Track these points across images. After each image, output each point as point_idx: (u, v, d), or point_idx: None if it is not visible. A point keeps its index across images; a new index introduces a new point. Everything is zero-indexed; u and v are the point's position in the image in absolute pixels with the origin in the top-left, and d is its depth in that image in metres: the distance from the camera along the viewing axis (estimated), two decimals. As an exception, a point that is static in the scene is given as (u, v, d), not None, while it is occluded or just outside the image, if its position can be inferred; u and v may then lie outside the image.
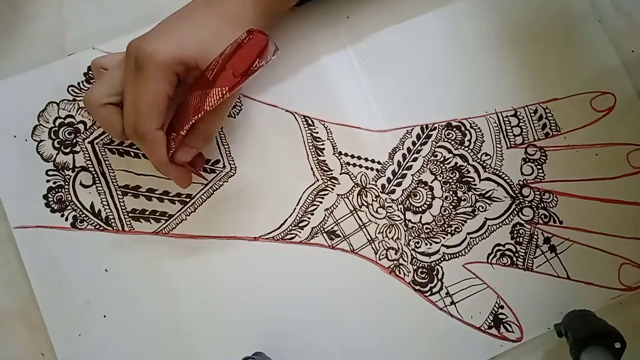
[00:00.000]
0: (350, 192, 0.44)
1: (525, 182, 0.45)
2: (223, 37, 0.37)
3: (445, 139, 0.45)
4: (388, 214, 0.44)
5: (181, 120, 0.37)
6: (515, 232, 0.44)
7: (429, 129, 0.45)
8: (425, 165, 0.45)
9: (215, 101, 0.35)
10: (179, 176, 0.39)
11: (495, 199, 0.45)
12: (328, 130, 0.45)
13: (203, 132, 0.38)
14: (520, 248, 0.44)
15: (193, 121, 0.36)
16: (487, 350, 0.43)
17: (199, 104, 0.36)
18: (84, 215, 0.43)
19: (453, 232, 0.44)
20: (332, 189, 0.44)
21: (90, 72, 0.45)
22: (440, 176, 0.45)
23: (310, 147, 0.45)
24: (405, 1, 0.46)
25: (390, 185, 0.45)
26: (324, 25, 0.46)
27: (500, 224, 0.44)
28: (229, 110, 0.40)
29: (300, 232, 0.44)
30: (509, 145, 0.45)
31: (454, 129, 0.45)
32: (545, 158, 0.45)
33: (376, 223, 0.44)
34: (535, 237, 0.44)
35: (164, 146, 0.38)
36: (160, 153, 0.37)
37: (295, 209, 0.44)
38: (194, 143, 0.39)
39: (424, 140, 0.45)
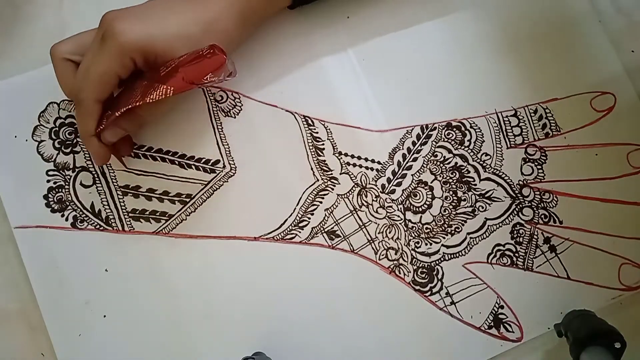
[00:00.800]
0: (350, 192, 0.45)
1: (525, 182, 0.45)
2: (192, 41, 0.38)
3: (445, 139, 0.45)
4: (388, 214, 0.44)
5: (121, 101, 0.38)
6: (515, 232, 0.44)
7: (429, 129, 0.45)
8: (425, 165, 0.45)
9: (158, 96, 0.36)
10: (97, 152, 0.40)
11: (495, 199, 0.45)
12: (328, 130, 0.45)
13: (137, 118, 0.39)
14: (520, 248, 0.44)
15: (129, 107, 0.36)
16: (487, 350, 0.43)
17: (141, 93, 0.36)
18: (84, 215, 0.43)
19: (453, 232, 0.44)
20: (332, 189, 0.44)
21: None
22: (440, 176, 0.45)
23: (310, 147, 0.45)
24: (405, 2, 0.46)
25: (390, 185, 0.45)
26: (324, 25, 0.46)
27: (500, 224, 0.44)
28: (166, 110, 0.41)
29: (300, 232, 0.44)
30: (509, 145, 0.45)
31: (454, 129, 0.45)
32: (545, 158, 0.45)
33: (376, 223, 0.44)
34: (535, 237, 0.44)
35: (96, 119, 0.38)
36: (89, 124, 0.38)
37: (295, 209, 0.44)
38: (125, 125, 0.39)
39: (424, 140, 0.45)
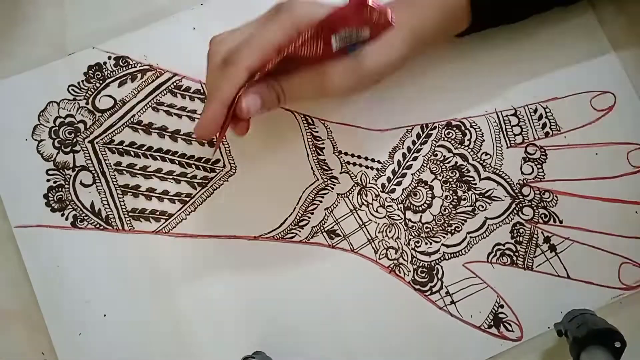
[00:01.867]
0: (350, 192, 0.45)
1: (525, 181, 0.45)
2: None
3: (445, 138, 0.45)
4: (388, 213, 0.44)
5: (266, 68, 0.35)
6: (515, 231, 0.44)
7: (429, 128, 0.45)
8: (425, 165, 0.45)
9: (292, 48, 0.33)
10: (211, 119, 0.35)
11: (495, 198, 0.45)
12: (328, 130, 0.45)
13: (290, 82, 0.36)
14: (520, 247, 0.44)
15: (268, 67, 0.34)
16: (487, 349, 0.43)
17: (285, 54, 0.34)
18: (84, 214, 0.43)
19: (453, 231, 0.44)
20: (332, 188, 0.44)
21: (90, 71, 0.45)
22: (440, 175, 0.45)
23: (310, 146, 0.45)
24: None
25: (390, 185, 0.45)
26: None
27: (500, 223, 0.44)
28: (330, 91, 0.37)
29: (300, 231, 0.44)
30: (509, 145, 0.45)
31: (454, 128, 0.45)
32: (545, 157, 0.45)
33: (376, 222, 0.44)
34: (535, 236, 0.44)
35: (237, 87, 0.34)
36: (229, 88, 0.34)
37: (295, 208, 0.44)
38: (268, 92, 0.36)
39: (424, 139, 0.45)
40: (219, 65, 0.35)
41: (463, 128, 0.45)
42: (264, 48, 0.34)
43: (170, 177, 0.44)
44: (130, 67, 0.45)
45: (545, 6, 0.43)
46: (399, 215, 0.44)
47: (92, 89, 0.45)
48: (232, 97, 0.35)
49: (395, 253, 0.44)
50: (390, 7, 0.34)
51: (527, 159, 0.45)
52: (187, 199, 0.44)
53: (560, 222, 0.44)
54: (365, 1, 0.31)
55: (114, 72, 0.45)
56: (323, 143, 0.45)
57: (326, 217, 0.44)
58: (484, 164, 0.45)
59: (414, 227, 0.44)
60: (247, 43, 0.34)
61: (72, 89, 0.45)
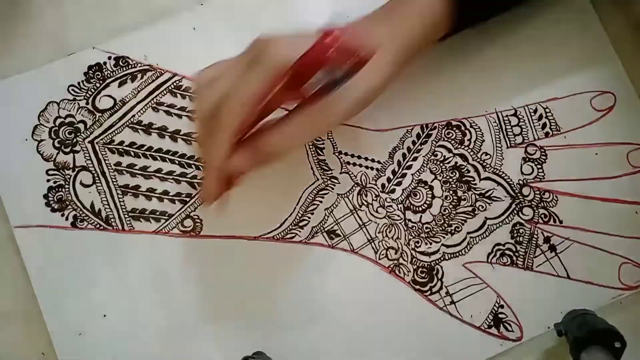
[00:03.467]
0: (350, 192, 0.45)
1: (525, 181, 0.45)
2: None
3: (445, 139, 0.45)
4: (388, 214, 0.44)
5: (250, 126, 0.35)
6: (515, 231, 0.44)
7: (429, 129, 0.45)
8: (425, 165, 0.45)
9: (273, 103, 0.33)
10: (212, 187, 0.37)
11: (495, 199, 0.45)
12: (328, 130, 0.45)
13: (269, 139, 0.35)
14: (520, 247, 0.44)
15: (253, 130, 0.35)
16: (487, 349, 0.43)
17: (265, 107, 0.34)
18: (84, 214, 0.43)
19: (453, 231, 0.44)
20: (332, 189, 0.44)
21: (90, 71, 0.45)
22: (440, 175, 0.45)
23: (310, 147, 0.45)
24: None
25: (390, 185, 0.45)
26: (324, 21, 0.46)
27: (500, 224, 0.44)
28: (307, 136, 0.37)
29: (300, 231, 0.44)
30: (509, 145, 0.45)
31: (454, 129, 0.45)
32: (545, 157, 0.45)
33: (376, 222, 0.44)
34: (535, 236, 0.44)
35: (230, 147, 0.35)
36: (221, 152, 0.35)
37: (295, 208, 0.44)
38: (254, 151, 0.35)
39: (424, 139, 0.45)
40: (205, 122, 0.35)
41: (463, 128, 0.45)
42: (245, 106, 0.34)
43: (170, 177, 0.44)
44: (130, 67, 0.45)
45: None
46: (399, 216, 0.44)
47: (92, 89, 0.45)
48: (225, 155, 0.35)
49: (395, 253, 0.44)
50: (369, 26, 0.35)
51: (527, 159, 0.45)
52: (187, 199, 0.44)
53: (560, 222, 0.44)
54: (330, 44, 0.29)
55: (114, 72, 0.45)
56: (323, 143, 0.45)
57: (326, 217, 0.44)
58: (484, 164, 0.45)
59: (414, 228, 0.44)
60: (229, 103, 0.34)
61: (72, 89, 0.45)
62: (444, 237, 0.44)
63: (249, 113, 0.34)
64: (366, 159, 0.45)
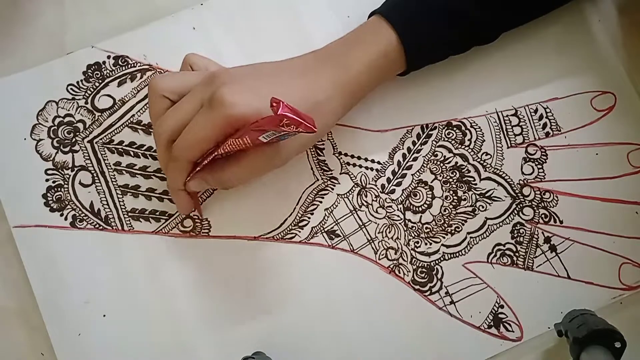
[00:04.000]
0: (350, 192, 0.44)
1: (525, 181, 0.45)
2: None
3: (446, 139, 0.45)
4: (388, 214, 0.44)
5: (207, 154, 0.38)
6: (515, 231, 0.44)
7: (429, 129, 0.45)
8: (425, 165, 0.45)
9: (228, 148, 0.36)
10: (182, 203, 0.41)
11: (495, 199, 0.45)
12: (328, 130, 0.45)
13: (220, 175, 0.39)
14: (521, 248, 0.44)
15: (208, 159, 0.37)
16: (487, 349, 0.43)
17: (218, 146, 0.37)
18: (83, 214, 0.43)
19: (453, 231, 0.44)
20: (332, 189, 0.44)
21: (89, 70, 0.45)
22: (440, 176, 0.45)
23: (310, 147, 0.45)
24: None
25: (390, 185, 0.45)
26: (324, 21, 0.46)
27: (501, 224, 0.44)
28: (247, 177, 0.40)
29: (300, 231, 0.44)
30: (509, 145, 0.45)
31: (454, 129, 0.45)
32: (545, 157, 0.45)
33: (376, 223, 0.44)
34: (535, 236, 0.44)
35: (186, 176, 0.39)
36: (179, 179, 0.39)
37: (295, 208, 0.44)
38: (208, 179, 0.39)
39: (424, 139, 0.45)
40: (165, 146, 0.38)
41: (463, 128, 0.45)
42: (201, 145, 0.37)
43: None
44: (129, 66, 0.45)
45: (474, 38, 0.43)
46: (398, 216, 0.44)
47: (91, 89, 0.45)
48: (183, 183, 0.40)
49: (395, 253, 0.44)
50: (317, 64, 0.38)
51: (527, 159, 0.45)
52: (187, 199, 0.44)
53: (561, 222, 0.44)
54: (282, 118, 0.32)
55: (113, 72, 0.45)
56: (323, 144, 0.45)
57: (326, 218, 0.44)
58: (485, 164, 0.45)
59: (414, 228, 0.44)
60: (187, 139, 0.37)
61: (71, 88, 0.45)
62: (444, 237, 0.44)
63: (204, 149, 0.37)
64: (366, 159, 0.45)
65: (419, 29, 0.40)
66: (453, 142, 0.45)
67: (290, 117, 0.32)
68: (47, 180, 0.43)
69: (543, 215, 0.45)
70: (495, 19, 0.42)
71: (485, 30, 0.43)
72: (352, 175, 0.45)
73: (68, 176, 0.44)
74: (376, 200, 0.44)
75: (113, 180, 0.44)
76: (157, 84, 0.38)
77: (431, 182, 0.45)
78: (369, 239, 0.44)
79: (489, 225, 0.44)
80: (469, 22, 0.41)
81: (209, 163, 0.38)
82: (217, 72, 0.38)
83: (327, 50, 0.41)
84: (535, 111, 0.46)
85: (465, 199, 0.45)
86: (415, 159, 0.45)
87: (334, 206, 0.44)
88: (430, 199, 0.45)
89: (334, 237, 0.44)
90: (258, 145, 0.36)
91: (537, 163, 0.45)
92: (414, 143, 0.45)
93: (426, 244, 0.44)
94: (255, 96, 0.36)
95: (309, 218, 0.44)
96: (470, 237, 0.44)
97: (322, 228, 0.44)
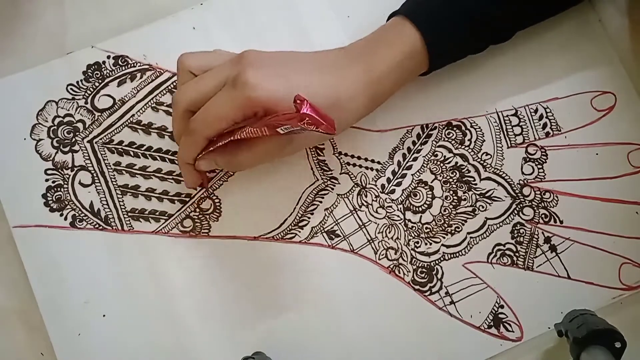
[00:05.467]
0: (350, 192, 0.44)
1: (525, 181, 0.45)
2: None
3: (446, 139, 0.45)
4: (388, 214, 0.44)
5: (222, 136, 0.38)
6: (515, 231, 0.44)
7: (429, 129, 0.45)
8: (425, 165, 0.45)
9: (243, 134, 0.36)
10: (190, 177, 0.41)
11: (495, 199, 0.45)
12: (328, 130, 0.45)
13: (231, 159, 0.39)
14: (521, 248, 0.44)
15: (221, 143, 0.37)
16: (487, 349, 0.43)
17: (235, 131, 0.37)
18: (83, 214, 0.43)
19: (453, 231, 0.44)
20: (332, 189, 0.44)
21: (89, 70, 0.45)
22: (440, 176, 0.45)
23: (310, 147, 0.45)
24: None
25: (390, 185, 0.45)
26: (324, 21, 0.46)
27: (501, 224, 0.44)
28: (260, 161, 0.40)
29: (300, 231, 0.44)
30: (509, 145, 0.45)
31: (455, 129, 0.45)
32: (545, 157, 0.45)
33: (376, 223, 0.44)
34: (535, 236, 0.44)
35: (198, 152, 0.39)
36: (191, 154, 0.39)
37: (295, 208, 0.44)
38: (218, 160, 0.39)
39: (424, 139, 0.45)
40: (182, 118, 0.38)
41: (463, 128, 0.45)
42: (219, 123, 0.37)
43: (170, 177, 0.44)
44: (129, 66, 0.45)
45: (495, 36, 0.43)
46: (398, 216, 0.44)
47: (91, 88, 0.45)
48: (194, 157, 0.39)
49: (395, 253, 0.44)
50: (347, 62, 0.38)
51: (527, 159, 0.45)
52: (187, 199, 0.44)
53: (561, 222, 0.44)
54: (303, 117, 0.32)
55: (113, 72, 0.45)
56: (323, 144, 0.45)
57: (326, 218, 0.44)
58: (485, 164, 0.45)
59: (414, 228, 0.44)
60: (206, 115, 0.37)
61: (71, 88, 0.44)
62: (444, 238, 0.44)
63: (222, 128, 0.37)
64: (366, 159, 0.45)
65: (442, 30, 0.40)
66: (453, 142, 0.45)
67: (312, 117, 0.32)
68: (47, 180, 0.43)
69: (543, 215, 0.45)
70: (515, 17, 0.42)
71: (504, 29, 0.43)
72: (352, 175, 0.45)
73: (68, 176, 0.44)
74: (376, 200, 0.44)
75: (113, 180, 0.44)
76: (186, 59, 0.38)
77: (431, 182, 0.45)
78: (369, 239, 0.44)
79: (489, 225, 0.44)
80: (489, 21, 0.41)
81: (221, 145, 0.38)
82: (246, 53, 0.37)
83: (354, 48, 0.41)
84: (536, 111, 0.46)
85: (465, 199, 0.45)
86: (415, 159, 0.45)
87: (334, 206, 0.44)
88: (430, 199, 0.45)
89: (334, 237, 0.44)
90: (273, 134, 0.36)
91: (537, 163, 0.45)
92: (414, 143, 0.45)
93: (426, 244, 0.44)
94: (279, 83, 0.36)
95: (309, 218, 0.44)
96: (470, 237, 0.44)
97: (322, 228, 0.44)
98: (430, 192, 0.45)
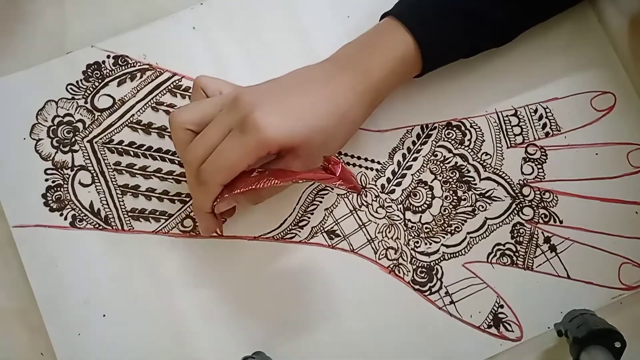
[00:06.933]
0: (349, 192, 0.44)
1: (525, 181, 0.45)
2: (327, 134, 0.38)
3: (446, 139, 0.45)
4: (388, 214, 0.44)
5: (238, 180, 0.37)
6: (515, 231, 0.44)
7: (429, 129, 0.45)
8: (425, 165, 0.45)
9: (269, 184, 0.36)
10: (207, 225, 0.40)
11: (495, 199, 0.45)
12: (328, 130, 0.45)
13: (255, 197, 0.39)
14: (521, 247, 0.44)
15: (244, 189, 0.37)
16: (487, 349, 0.43)
17: (259, 179, 0.36)
18: (83, 214, 0.43)
19: (453, 231, 0.44)
20: (332, 189, 0.44)
21: (89, 70, 0.45)
22: (440, 176, 0.45)
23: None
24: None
25: (389, 185, 0.45)
26: (324, 21, 0.46)
27: (501, 224, 0.44)
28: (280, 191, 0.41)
29: (300, 231, 0.44)
30: (509, 145, 0.45)
31: (454, 129, 0.45)
32: (545, 157, 0.45)
33: (376, 223, 0.44)
34: (535, 236, 0.44)
35: (214, 199, 0.38)
36: (207, 202, 0.38)
37: (295, 208, 0.44)
38: (241, 199, 0.39)
39: (424, 139, 0.45)
40: (194, 176, 0.37)
41: (463, 128, 0.45)
42: (233, 170, 0.36)
43: (170, 177, 0.44)
44: (129, 66, 0.45)
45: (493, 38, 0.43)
46: (398, 216, 0.44)
47: (90, 88, 0.45)
48: (210, 206, 0.38)
49: (395, 253, 0.44)
50: (338, 72, 0.39)
51: (527, 159, 0.45)
52: (187, 199, 0.44)
53: (561, 222, 0.44)
54: (338, 180, 0.34)
55: (113, 71, 0.45)
56: (323, 143, 0.45)
57: (326, 218, 0.44)
58: (484, 164, 0.45)
59: (414, 228, 0.44)
60: (218, 164, 0.36)
61: (71, 88, 0.44)
62: (443, 237, 0.44)
63: (236, 173, 0.37)
64: (366, 159, 0.45)
65: (436, 32, 0.40)
66: (453, 142, 0.45)
67: (348, 179, 0.33)
68: (46, 180, 0.43)
69: (543, 215, 0.45)
70: (514, 17, 0.42)
71: (502, 29, 0.42)
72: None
73: (68, 176, 0.44)
74: (376, 200, 0.44)
75: (113, 180, 0.44)
76: (178, 117, 0.37)
77: (431, 182, 0.45)
78: (369, 238, 0.44)
79: (488, 225, 0.44)
80: (487, 21, 0.40)
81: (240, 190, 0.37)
82: (239, 95, 0.37)
83: (345, 55, 0.41)
84: (535, 111, 0.46)
85: (465, 199, 0.45)
86: (415, 159, 0.45)
87: (334, 206, 0.44)
88: (430, 199, 0.45)
89: (334, 237, 0.44)
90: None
91: (537, 163, 0.45)
92: (413, 143, 0.45)
93: (426, 243, 0.44)
94: (287, 116, 0.36)
95: (309, 218, 0.44)
96: (470, 237, 0.44)
97: (322, 228, 0.44)
98: (430, 192, 0.45)
